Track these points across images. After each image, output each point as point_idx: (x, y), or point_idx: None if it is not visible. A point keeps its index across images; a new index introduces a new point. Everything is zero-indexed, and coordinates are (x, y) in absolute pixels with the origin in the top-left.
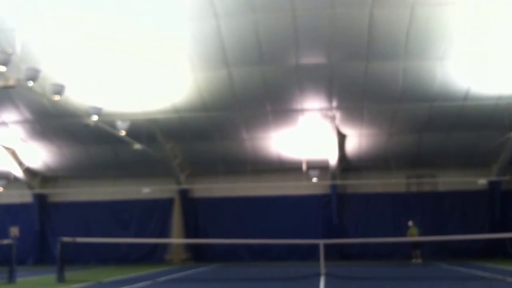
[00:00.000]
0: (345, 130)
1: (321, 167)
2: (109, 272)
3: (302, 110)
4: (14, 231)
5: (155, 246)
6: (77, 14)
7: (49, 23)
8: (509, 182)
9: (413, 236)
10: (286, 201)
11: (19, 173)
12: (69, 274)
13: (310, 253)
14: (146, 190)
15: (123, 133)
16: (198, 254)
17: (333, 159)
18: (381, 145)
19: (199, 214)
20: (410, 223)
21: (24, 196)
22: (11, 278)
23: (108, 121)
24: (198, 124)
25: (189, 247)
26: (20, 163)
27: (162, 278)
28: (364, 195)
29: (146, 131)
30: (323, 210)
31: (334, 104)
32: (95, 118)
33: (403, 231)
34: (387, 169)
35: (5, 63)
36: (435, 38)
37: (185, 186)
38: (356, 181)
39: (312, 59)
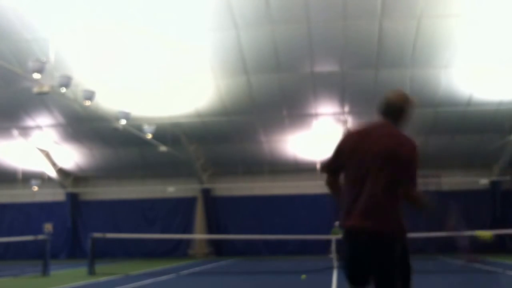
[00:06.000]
0: None
1: None
2: (136, 265)
3: (316, 115)
4: (48, 227)
5: (179, 241)
6: (106, 24)
7: (80, 33)
8: (509, 182)
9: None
10: (301, 200)
11: (52, 174)
12: (99, 267)
13: (323, 247)
14: (171, 189)
15: (149, 136)
16: (219, 249)
17: None
18: None
19: (220, 212)
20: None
21: (57, 195)
22: (45, 271)
23: (136, 125)
24: (219, 127)
25: (211, 243)
26: (54, 164)
27: (186, 271)
28: None
29: (171, 134)
30: (336, 208)
31: (346, 109)
32: (123, 122)
33: (409, 228)
34: None
35: (40, 70)
36: (440, 47)
37: (207, 185)
38: None
39: (325, 67)
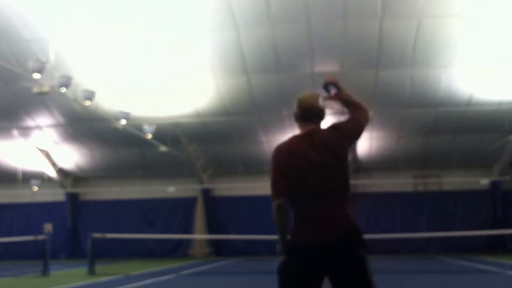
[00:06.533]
0: None
1: None
2: (136, 265)
3: None
4: (48, 227)
5: (180, 241)
6: (106, 24)
7: (80, 32)
8: (509, 182)
9: None
10: None
11: (52, 174)
12: (99, 267)
13: None
14: (171, 190)
15: (149, 136)
16: (219, 249)
17: None
18: (390, 147)
19: (220, 212)
20: None
21: (57, 195)
22: (45, 271)
23: (136, 125)
24: (219, 127)
25: (211, 242)
26: (54, 164)
27: (186, 271)
28: (374, 194)
29: (171, 134)
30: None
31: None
32: (123, 122)
33: (410, 228)
34: (395, 170)
35: (40, 70)
36: (440, 47)
37: (207, 185)
38: (367, 181)
39: (325, 67)
